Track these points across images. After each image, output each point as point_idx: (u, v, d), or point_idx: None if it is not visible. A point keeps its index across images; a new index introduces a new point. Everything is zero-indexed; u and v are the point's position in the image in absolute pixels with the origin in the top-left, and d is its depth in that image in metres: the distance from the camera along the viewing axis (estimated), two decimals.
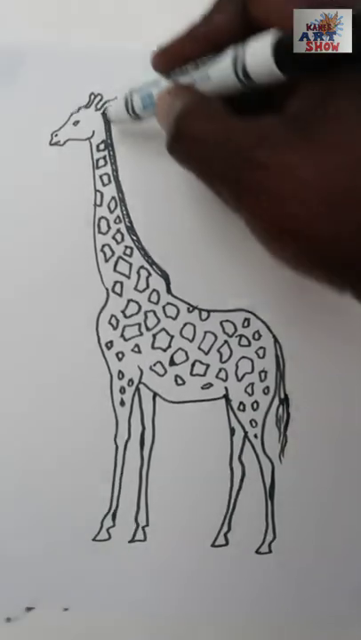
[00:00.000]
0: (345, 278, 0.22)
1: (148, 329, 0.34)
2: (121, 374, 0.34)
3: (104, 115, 0.34)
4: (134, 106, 0.30)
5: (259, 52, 0.22)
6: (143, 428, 0.34)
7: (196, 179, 0.24)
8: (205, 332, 0.35)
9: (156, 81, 0.28)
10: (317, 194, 0.20)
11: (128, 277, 0.34)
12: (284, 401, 0.35)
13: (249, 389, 0.35)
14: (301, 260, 0.22)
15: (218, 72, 0.24)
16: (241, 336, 0.35)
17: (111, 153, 0.34)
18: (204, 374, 0.35)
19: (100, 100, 0.34)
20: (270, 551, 0.35)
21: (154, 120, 0.28)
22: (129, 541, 0.34)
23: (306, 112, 0.21)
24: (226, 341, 0.35)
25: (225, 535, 0.35)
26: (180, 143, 0.24)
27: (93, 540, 0.34)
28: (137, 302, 0.34)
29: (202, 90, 0.25)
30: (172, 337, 0.35)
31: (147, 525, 0.34)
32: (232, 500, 0.35)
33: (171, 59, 0.26)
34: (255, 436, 0.35)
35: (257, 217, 0.22)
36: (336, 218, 0.20)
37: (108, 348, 0.34)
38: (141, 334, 0.34)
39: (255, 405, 0.35)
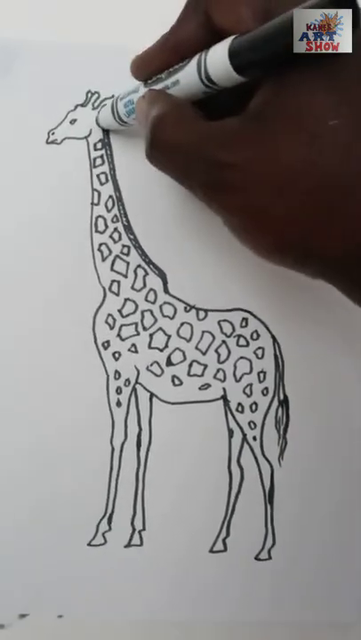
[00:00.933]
0: (313, 266, 0.23)
1: (144, 328, 0.34)
2: (117, 374, 0.34)
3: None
4: (119, 112, 0.31)
5: (218, 57, 0.23)
6: (140, 429, 0.34)
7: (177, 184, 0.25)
8: (203, 332, 0.34)
9: (137, 88, 0.29)
10: (276, 186, 0.22)
11: (125, 276, 0.34)
12: (284, 402, 0.34)
13: (247, 390, 0.34)
14: (272, 251, 0.24)
15: (186, 77, 0.25)
16: (239, 336, 0.34)
17: (108, 152, 0.34)
18: (202, 375, 0.34)
19: (98, 99, 0.34)
20: (270, 557, 0.34)
21: None
22: (125, 546, 0.34)
23: (261, 109, 0.23)
24: (224, 341, 0.34)
25: (223, 541, 0.34)
26: (155, 150, 0.25)
27: (89, 544, 0.33)
28: (134, 301, 0.34)
29: (174, 95, 0.26)
30: (169, 337, 0.34)
31: (143, 530, 0.34)
32: (231, 505, 0.34)
33: (146, 67, 0.28)
34: (254, 438, 0.34)
35: (230, 214, 0.24)
36: (291, 204, 0.22)
37: (105, 348, 0.34)
38: (138, 334, 0.34)
39: (254, 407, 0.34)
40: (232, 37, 0.23)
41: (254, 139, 0.22)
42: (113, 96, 0.33)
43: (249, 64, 0.23)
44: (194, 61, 0.25)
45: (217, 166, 0.23)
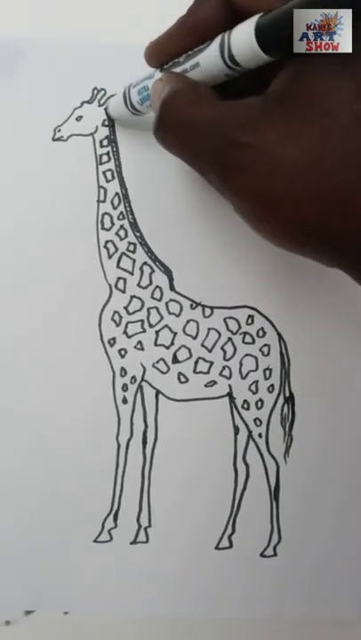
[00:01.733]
0: (329, 253, 0.22)
1: (150, 325, 0.34)
2: (123, 371, 0.34)
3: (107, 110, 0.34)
4: (132, 100, 0.31)
5: (243, 36, 0.23)
6: (146, 426, 0.34)
7: (186, 163, 0.24)
8: (209, 329, 0.34)
9: (152, 74, 0.28)
10: (295, 168, 0.21)
11: (131, 274, 0.34)
12: (290, 399, 0.35)
13: (253, 387, 0.34)
14: (288, 237, 0.23)
15: (207, 59, 0.25)
16: (245, 333, 0.34)
17: (115, 149, 0.34)
18: (208, 372, 0.34)
19: (104, 95, 0.34)
20: (275, 554, 0.34)
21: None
22: (131, 543, 0.34)
23: (284, 90, 0.22)
24: (230, 338, 0.34)
25: (229, 537, 0.34)
26: (164, 127, 0.24)
27: (94, 541, 0.33)
28: (140, 299, 0.34)
29: (193, 78, 0.26)
30: (175, 334, 0.34)
31: (149, 526, 0.34)
32: (236, 502, 0.34)
33: (162, 52, 0.27)
34: (260, 435, 0.34)
35: (243, 198, 0.23)
36: (309, 188, 0.21)
37: (111, 345, 0.34)
38: (144, 331, 0.34)
39: (260, 404, 0.34)
40: (258, 15, 0.22)
41: (276, 119, 0.22)
42: (117, 94, 0.33)
43: (275, 42, 0.22)
44: (216, 42, 0.24)
45: (233, 145, 0.22)
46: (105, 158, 0.34)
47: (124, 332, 0.34)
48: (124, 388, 0.34)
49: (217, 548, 0.34)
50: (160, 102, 0.24)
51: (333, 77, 0.21)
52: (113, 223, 0.34)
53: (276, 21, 0.22)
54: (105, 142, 0.34)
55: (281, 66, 0.23)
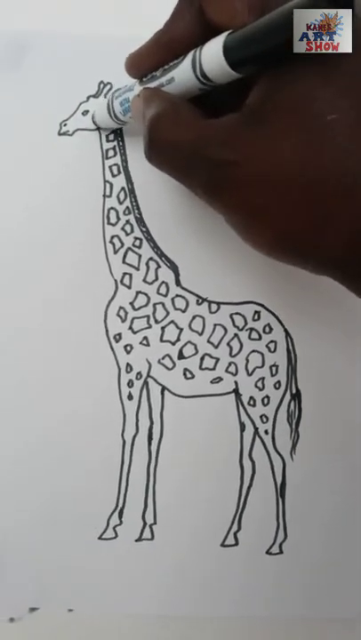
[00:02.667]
0: (313, 262, 0.23)
1: (156, 321, 0.34)
2: (129, 367, 0.34)
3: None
4: (115, 110, 0.31)
5: (212, 53, 0.23)
6: (151, 422, 0.34)
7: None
8: (215, 325, 0.34)
9: (132, 86, 0.29)
10: (274, 181, 0.22)
11: (137, 269, 0.34)
12: (296, 396, 0.34)
13: (259, 384, 0.34)
14: (274, 247, 0.24)
15: (180, 75, 0.25)
16: (251, 329, 0.34)
17: (121, 143, 0.34)
18: (214, 368, 0.34)
19: (110, 89, 0.34)
20: (281, 552, 0.34)
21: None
22: (136, 540, 0.34)
23: (259, 105, 0.22)
24: (236, 334, 0.34)
25: (235, 535, 0.34)
26: (154, 151, 0.25)
27: (99, 538, 0.33)
28: (146, 294, 0.34)
29: (170, 92, 0.26)
30: (181, 330, 0.34)
31: (154, 524, 0.34)
32: (242, 499, 0.34)
33: (141, 65, 0.27)
34: (266, 432, 0.34)
35: (231, 212, 0.24)
36: (290, 201, 0.22)
37: (117, 341, 0.34)
38: (150, 327, 0.34)
39: (266, 400, 0.34)
40: (226, 33, 0.23)
41: (254, 135, 0.22)
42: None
43: (244, 60, 0.22)
44: (188, 58, 0.24)
45: (217, 165, 0.23)
46: (111, 153, 0.34)
47: (130, 328, 0.34)
48: (130, 384, 0.34)
49: (223, 545, 0.34)
50: (146, 127, 0.25)
51: (307, 90, 0.21)
52: (119, 218, 0.34)
53: (244, 39, 0.22)
54: (111, 137, 0.34)
55: (256, 79, 0.23)
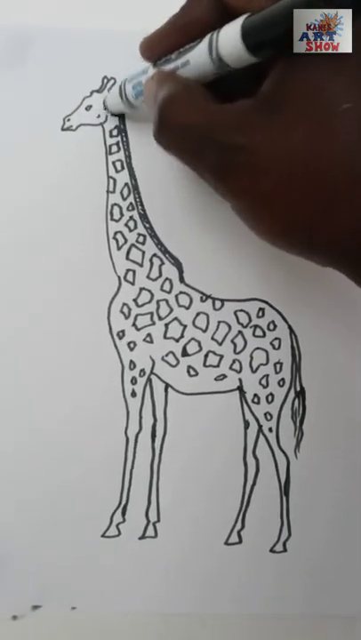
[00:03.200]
0: (320, 252, 0.23)
1: (160, 318, 0.34)
2: (132, 364, 0.33)
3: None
4: (127, 94, 0.31)
5: (230, 36, 0.23)
6: (155, 420, 0.33)
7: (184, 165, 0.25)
8: (219, 322, 0.34)
9: (146, 69, 0.29)
10: (285, 169, 0.22)
11: (141, 265, 0.34)
12: (300, 394, 0.34)
13: (264, 381, 0.34)
14: (279, 236, 0.24)
15: (196, 58, 0.25)
16: (255, 326, 0.34)
17: (124, 139, 0.34)
18: (218, 365, 0.34)
19: (114, 84, 0.33)
20: (285, 550, 0.34)
21: None
22: (139, 538, 0.33)
23: (274, 91, 0.22)
24: (240, 332, 0.34)
25: (238, 533, 0.34)
26: (163, 131, 0.25)
27: (102, 536, 0.33)
28: (149, 291, 0.34)
29: (184, 76, 0.26)
30: (184, 327, 0.34)
31: (158, 521, 0.33)
32: (246, 497, 0.34)
33: (155, 48, 0.27)
34: (270, 429, 0.34)
35: (238, 198, 0.24)
36: (300, 188, 0.22)
37: (120, 338, 0.33)
38: (153, 324, 0.34)
39: (270, 398, 0.34)
40: (244, 16, 0.23)
41: (267, 122, 0.22)
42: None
43: (262, 44, 0.22)
44: (205, 41, 0.24)
45: (228, 149, 0.23)
46: (114, 148, 0.34)
47: (134, 325, 0.33)
48: (133, 381, 0.33)
49: (226, 543, 0.34)
50: (157, 107, 0.25)
51: (322, 78, 0.21)
52: (122, 214, 0.34)
53: (262, 22, 0.22)
54: (115, 132, 0.34)
55: (272, 65, 0.23)
